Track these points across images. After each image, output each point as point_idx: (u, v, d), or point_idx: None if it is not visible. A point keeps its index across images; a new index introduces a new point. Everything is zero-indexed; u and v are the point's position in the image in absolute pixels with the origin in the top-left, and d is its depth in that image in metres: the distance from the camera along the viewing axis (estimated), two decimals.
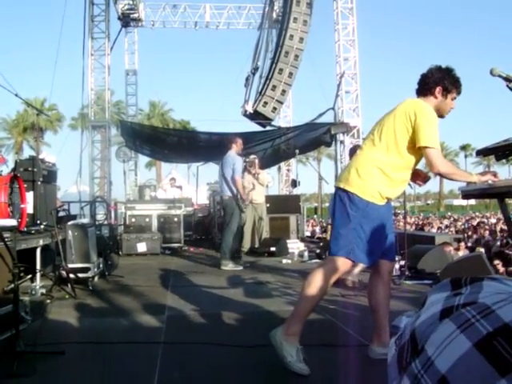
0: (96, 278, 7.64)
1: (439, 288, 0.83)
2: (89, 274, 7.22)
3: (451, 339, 0.73)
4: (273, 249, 11.47)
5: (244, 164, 12.03)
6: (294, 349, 3.70)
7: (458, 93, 3.98)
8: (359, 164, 3.89)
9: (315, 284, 3.78)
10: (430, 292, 0.84)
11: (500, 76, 3.89)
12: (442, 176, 3.96)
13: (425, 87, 3.94)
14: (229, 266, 9.43)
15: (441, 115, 3.93)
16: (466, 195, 4.45)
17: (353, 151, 7.98)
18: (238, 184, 9.56)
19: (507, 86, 3.90)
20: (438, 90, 3.89)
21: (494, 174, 3.97)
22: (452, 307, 0.76)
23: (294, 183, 15.50)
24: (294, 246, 11.91)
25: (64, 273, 6.86)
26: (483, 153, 4.44)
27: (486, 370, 0.68)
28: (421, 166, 4.11)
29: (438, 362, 0.73)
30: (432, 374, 0.72)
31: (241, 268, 9.44)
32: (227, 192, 9.64)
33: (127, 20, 19.47)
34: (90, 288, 7.10)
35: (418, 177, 4.27)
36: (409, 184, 5.12)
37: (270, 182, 13.63)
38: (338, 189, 3.95)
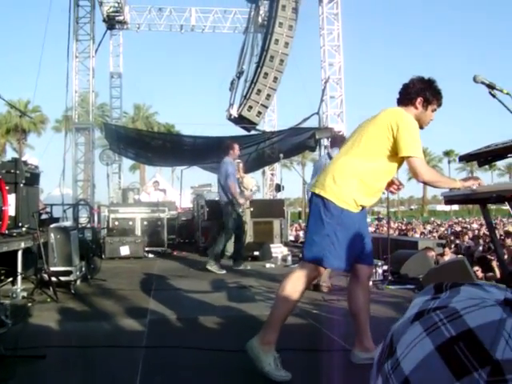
0: (78, 282, 7.58)
1: (423, 292, 0.85)
2: (71, 278, 7.17)
3: (417, 341, 0.73)
4: (256, 253, 11.47)
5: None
6: (271, 358, 3.69)
7: (439, 105, 3.99)
8: (336, 170, 3.87)
9: (289, 291, 3.79)
10: (415, 295, 0.86)
11: (483, 83, 3.93)
12: (426, 184, 3.98)
13: (406, 97, 3.94)
14: (213, 268, 9.48)
15: (420, 126, 3.93)
16: (449, 201, 4.49)
17: (334, 141, 8.01)
18: (231, 189, 9.66)
19: (490, 92, 3.94)
20: (419, 100, 3.90)
21: (477, 180, 4.00)
22: (424, 310, 0.76)
23: (278, 187, 15.51)
24: (278, 250, 11.92)
25: (46, 276, 6.81)
26: (465, 159, 4.48)
27: (444, 372, 0.69)
28: (404, 171, 4.13)
29: (403, 364, 0.73)
30: (398, 375, 0.74)
31: (223, 272, 9.45)
32: (224, 198, 9.78)
33: (112, 22, 19.39)
34: (72, 291, 7.06)
35: (392, 184, 4.28)
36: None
37: (254, 187, 13.62)
38: (313, 194, 3.95)
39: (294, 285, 3.80)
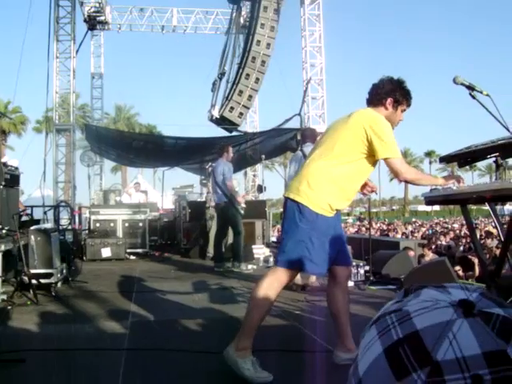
0: (59, 284, 7.53)
1: (396, 296, 0.86)
2: (52, 280, 7.12)
3: (371, 344, 0.75)
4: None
5: (211, 169, 12.05)
6: (248, 362, 3.70)
7: (408, 105, 4.00)
8: (310, 175, 3.83)
9: (261, 295, 3.77)
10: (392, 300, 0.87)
11: (463, 84, 3.96)
12: (408, 183, 3.98)
13: (376, 98, 3.94)
14: (242, 268, 9.77)
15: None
16: (430, 201, 4.51)
17: (304, 138, 8.01)
18: (230, 188, 9.75)
19: (470, 94, 3.97)
20: (389, 101, 3.90)
21: (458, 179, 4.01)
22: (382, 314, 0.78)
23: (260, 188, 15.50)
24: (260, 251, 11.92)
25: (26, 278, 6.75)
26: (446, 160, 4.51)
27: (387, 374, 0.70)
28: (385, 173, 4.13)
29: (359, 366, 0.76)
30: (355, 377, 0.76)
31: (250, 267, 9.90)
32: (223, 198, 9.80)
33: (93, 23, 19.25)
34: (53, 294, 7.01)
35: (366, 186, 4.28)
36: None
37: (236, 188, 13.61)
38: (287, 199, 3.92)
39: (267, 291, 3.78)
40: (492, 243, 14.04)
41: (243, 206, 10.27)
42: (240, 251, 9.96)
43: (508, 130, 3.84)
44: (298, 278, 7.32)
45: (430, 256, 10.89)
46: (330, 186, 3.78)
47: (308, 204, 3.75)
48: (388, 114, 3.89)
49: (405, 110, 4.00)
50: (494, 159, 3.99)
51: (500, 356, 0.67)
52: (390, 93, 3.90)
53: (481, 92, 3.93)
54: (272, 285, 3.80)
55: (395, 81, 3.96)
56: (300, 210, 3.77)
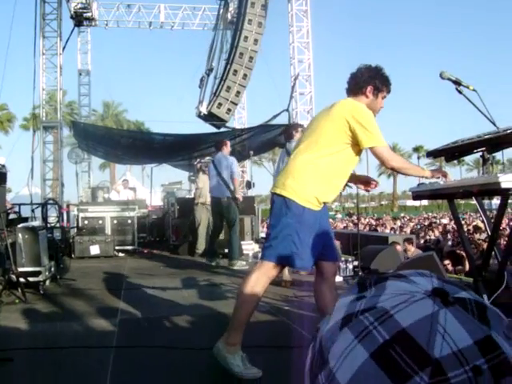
0: (47, 282, 7.50)
1: (348, 291, 0.80)
2: (40, 278, 7.09)
3: (350, 350, 0.70)
4: (227, 250, 11.44)
5: (200, 165, 12.04)
6: (238, 358, 3.71)
7: (388, 91, 3.98)
8: (296, 169, 3.82)
9: (249, 291, 3.77)
10: (341, 295, 0.81)
11: (449, 79, 3.97)
12: (395, 171, 3.97)
13: (356, 87, 3.91)
14: (237, 266, 9.70)
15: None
16: (417, 196, 4.53)
17: (289, 135, 8.00)
18: (236, 184, 9.84)
19: (456, 89, 3.99)
20: (369, 89, 3.88)
21: (445, 174, 4.03)
22: (352, 314, 0.73)
23: (249, 184, 15.51)
24: (249, 247, 11.94)
25: (14, 277, 6.71)
26: (433, 154, 4.52)
27: (383, 381, 0.66)
28: (374, 168, 4.14)
29: (338, 375, 0.70)
30: None
31: (244, 263, 9.89)
32: (226, 193, 9.81)
33: (80, 19, 19.13)
34: (41, 292, 6.99)
35: (368, 184, 4.29)
36: (349, 187, 5.12)
37: None
38: (273, 194, 3.91)
39: (254, 286, 3.78)
40: (480, 237, 14.15)
41: (241, 201, 10.28)
42: (237, 248, 10.02)
43: (494, 124, 3.86)
44: (287, 275, 7.34)
45: (411, 251, 10.90)
46: (315, 178, 3.76)
47: (294, 198, 3.74)
48: (369, 102, 3.88)
49: (385, 97, 3.98)
50: (480, 154, 4.02)
51: (489, 342, 0.66)
52: (369, 80, 3.89)
53: (467, 87, 3.94)
54: (259, 280, 3.79)
55: (373, 68, 3.95)
56: (286, 205, 3.76)
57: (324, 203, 3.90)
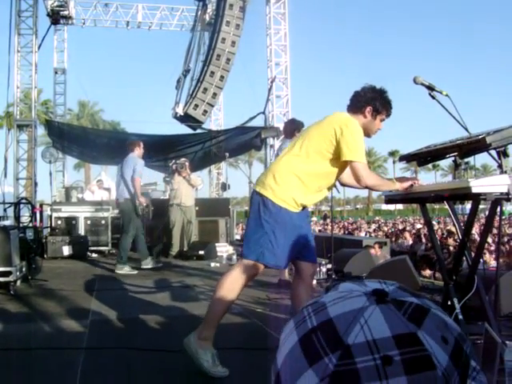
0: (18, 282, 7.41)
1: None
2: (10, 278, 7.00)
3: (287, 336, 0.77)
4: (201, 252, 11.43)
5: (175, 166, 11.99)
6: (209, 354, 3.73)
7: (388, 115, 4.05)
8: (277, 170, 3.90)
9: (227, 287, 3.82)
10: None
11: (422, 84, 4.00)
12: (368, 188, 4.06)
13: (356, 105, 3.98)
14: (124, 270, 9.39)
15: (367, 135, 4.00)
16: (389, 200, 4.56)
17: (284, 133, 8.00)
18: (136, 185, 9.43)
19: (429, 94, 4.02)
20: (368, 109, 3.95)
21: (414, 180, 4.09)
22: (301, 308, 0.81)
23: (224, 186, 15.51)
24: (223, 249, 11.94)
25: None
26: (406, 159, 4.56)
27: (301, 361, 0.72)
28: None
29: (277, 359, 0.78)
30: (274, 370, 0.78)
31: (135, 272, 9.39)
32: (125, 195, 9.50)
33: (57, 17, 18.90)
34: (12, 292, 6.91)
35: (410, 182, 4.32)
36: (336, 188, 5.24)
37: (200, 185, 13.58)
38: (254, 191, 3.99)
39: (233, 282, 3.83)
40: (453, 242, 14.28)
41: (144, 205, 10.14)
42: (125, 252, 9.54)
43: (466, 129, 3.89)
44: (286, 274, 7.43)
45: (378, 253, 10.89)
46: (295, 180, 3.83)
47: (272, 197, 3.81)
48: (366, 122, 3.95)
49: (384, 120, 4.05)
50: (452, 159, 4.06)
51: (410, 338, 0.70)
52: (369, 101, 3.95)
53: (440, 92, 3.97)
54: (237, 277, 3.84)
55: (377, 90, 4.00)
56: (264, 203, 3.83)
57: (303, 206, 3.94)
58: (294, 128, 7.40)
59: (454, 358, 0.71)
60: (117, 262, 9.60)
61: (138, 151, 9.81)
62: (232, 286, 3.81)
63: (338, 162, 3.84)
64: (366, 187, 4.00)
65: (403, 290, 0.80)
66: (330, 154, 3.81)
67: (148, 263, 9.69)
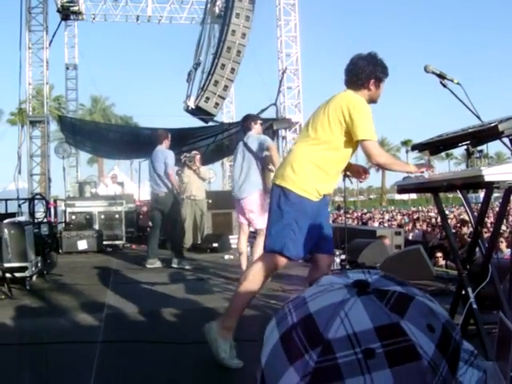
0: (34, 278, 7.46)
1: None
2: (26, 274, 7.04)
3: (270, 334, 0.77)
4: (215, 245, 11.45)
5: (184, 159, 11.97)
6: (228, 344, 3.75)
7: (387, 76, 4.05)
8: (294, 160, 3.89)
9: (251, 279, 3.84)
10: None
11: (433, 73, 3.97)
12: (380, 167, 4.04)
13: (358, 82, 3.94)
14: (156, 264, 9.36)
15: (374, 101, 4.02)
16: (402, 190, 4.53)
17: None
18: (172, 179, 9.39)
19: (441, 82, 3.99)
20: (371, 82, 3.93)
21: (430, 168, 4.05)
22: (283, 304, 0.81)
23: None
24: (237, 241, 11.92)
25: (0, 272, 6.69)
26: (418, 148, 4.52)
27: (283, 359, 0.71)
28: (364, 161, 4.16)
29: (261, 357, 0.77)
30: (259, 369, 0.77)
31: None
32: (163, 188, 9.39)
33: (67, 13, 18.97)
34: (28, 287, 6.95)
35: (360, 174, 4.32)
36: (348, 178, 5.22)
37: (212, 178, 13.58)
38: (273, 185, 3.97)
39: (256, 274, 3.85)
40: (467, 231, 14.20)
41: (182, 197, 10.15)
42: (155, 248, 9.75)
43: (479, 118, 3.86)
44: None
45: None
46: (314, 169, 3.82)
47: (293, 188, 3.80)
48: (371, 94, 3.96)
49: (384, 82, 4.04)
50: (465, 147, 4.02)
51: (392, 329, 0.69)
52: (371, 74, 3.92)
53: (451, 80, 3.94)
54: (261, 269, 3.86)
55: (371, 60, 3.96)
56: (285, 194, 3.82)
57: (324, 195, 3.94)
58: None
59: (441, 346, 0.70)
60: (147, 257, 9.54)
61: (166, 143, 9.71)
62: (255, 278, 3.84)
63: (351, 143, 3.83)
64: (378, 165, 3.99)
65: (387, 279, 0.79)
66: (343, 137, 3.79)
67: (153, 263, 9.40)
